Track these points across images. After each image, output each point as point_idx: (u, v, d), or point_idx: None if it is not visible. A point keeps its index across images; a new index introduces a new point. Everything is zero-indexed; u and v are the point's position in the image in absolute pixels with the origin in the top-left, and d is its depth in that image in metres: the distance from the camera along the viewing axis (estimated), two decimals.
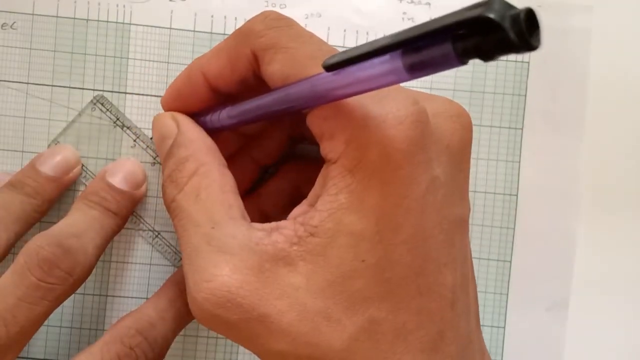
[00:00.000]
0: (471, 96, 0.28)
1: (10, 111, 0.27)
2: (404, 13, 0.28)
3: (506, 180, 0.28)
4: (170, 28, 0.27)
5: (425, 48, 0.14)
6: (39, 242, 0.22)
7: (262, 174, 0.26)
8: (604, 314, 0.28)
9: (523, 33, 0.12)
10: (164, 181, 0.21)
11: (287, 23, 0.20)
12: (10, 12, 0.27)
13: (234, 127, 0.22)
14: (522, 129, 0.28)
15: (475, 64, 0.28)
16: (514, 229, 0.28)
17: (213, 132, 0.22)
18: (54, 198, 0.26)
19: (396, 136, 0.17)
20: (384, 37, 0.15)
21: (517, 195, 0.28)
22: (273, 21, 0.20)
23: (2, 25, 0.27)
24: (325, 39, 0.27)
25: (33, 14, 0.27)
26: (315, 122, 0.18)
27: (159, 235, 0.27)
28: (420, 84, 0.28)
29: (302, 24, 0.27)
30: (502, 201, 0.28)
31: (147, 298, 0.27)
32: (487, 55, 0.13)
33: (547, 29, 0.28)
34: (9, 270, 0.22)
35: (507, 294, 0.28)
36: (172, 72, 0.27)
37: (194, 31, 0.27)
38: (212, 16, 0.27)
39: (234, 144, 0.25)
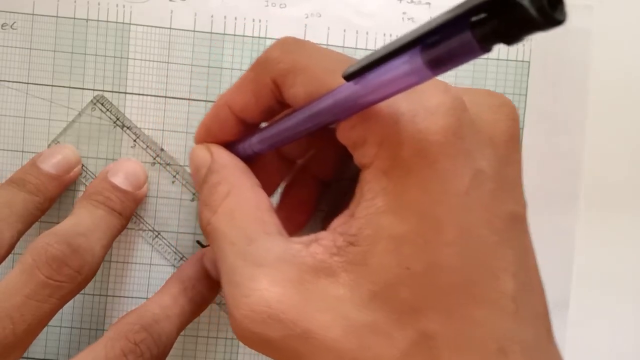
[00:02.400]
0: None
1: (10, 111, 0.27)
2: (404, 13, 0.28)
3: None
4: (170, 28, 0.27)
5: (443, 41, 0.13)
6: (47, 240, 0.22)
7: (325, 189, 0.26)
8: (604, 314, 0.28)
9: (544, 8, 0.11)
10: (200, 208, 0.21)
11: (301, 45, 0.20)
12: (10, 12, 0.27)
13: (267, 151, 0.22)
14: (522, 128, 0.28)
15: (475, 63, 0.28)
16: None
17: (249, 159, 0.22)
18: (55, 196, 0.26)
19: (429, 128, 0.16)
20: (400, 37, 0.14)
21: None
22: (288, 46, 0.20)
23: (2, 25, 0.27)
24: (325, 39, 0.27)
25: (33, 14, 0.27)
26: (345, 134, 0.18)
27: (159, 236, 0.27)
28: None
29: (302, 24, 0.27)
30: None
31: (147, 298, 0.27)
32: (510, 37, 0.12)
33: None
34: (15, 268, 0.22)
35: None
36: (172, 72, 0.27)
37: (194, 31, 0.27)
38: (212, 16, 0.27)
39: (278, 169, 0.25)
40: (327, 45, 0.27)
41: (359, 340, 0.16)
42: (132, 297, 0.27)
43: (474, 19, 0.12)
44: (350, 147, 0.18)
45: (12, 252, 0.24)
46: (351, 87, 0.16)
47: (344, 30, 0.28)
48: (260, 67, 0.20)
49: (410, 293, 0.16)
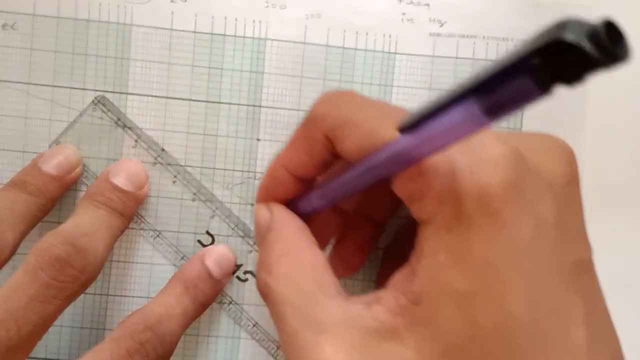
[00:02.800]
0: None
1: (11, 111, 0.27)
2: (403, 14, 0.28)
3: None
4: (171, 29, 0.27)
5: (500, 87, 0.13)
6: (51, 241, 0.22)
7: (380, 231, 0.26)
8: None
9: (605, 47, 0.11)
10: (257, 268, 0.21)
11: (347, 97, 0.20)
12: (11, 12, 0.27)
13: (325, 207, 0.22)
14: (520, 129, 0.28)
15: (474, 64, 0.28)
16: None
17: (307, 215, 0.22)
18: (57, 197, 0.26)
19: (489, 181, 0.16)
20: (454, 87, 0.14)
21: None
22: (334, 100, 0.20)
23: (3, 26, 0.27)
24: (325, 39, 0.28)
25: (34, 15, 0.27)
26: (401, 186, 0.18)
27: (159, 235, 0.27)
28: (418, 85, 0.28)
29: (302, 25, 0.28)
30: None
31: (148, 297, 0.27)
32: (572, 78, 0.12)
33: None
34: (19, 269, 0.22)
35: None
36: (173, 73, 0.27)
37: (194, 32, 0.27)
38: (212, 17, 0.27)
39: (333, 221, 0.25)
40: (327, 45, 0.28)
41: None
42: (133, 297, 0.27)
43: (532, 63, 0.12)
44: (407, 200, 0.17)
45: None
46: (406, 140, 0.16)
47: (344, 31, 0.28)
48: (310, 125, 0.20)
49: (481, 351, 0.15)
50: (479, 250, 0.15)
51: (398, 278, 0.17)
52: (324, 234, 0.24)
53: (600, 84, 0.28)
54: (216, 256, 0.26)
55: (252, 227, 0.28)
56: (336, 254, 0.25)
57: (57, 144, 0.27)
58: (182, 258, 0.27)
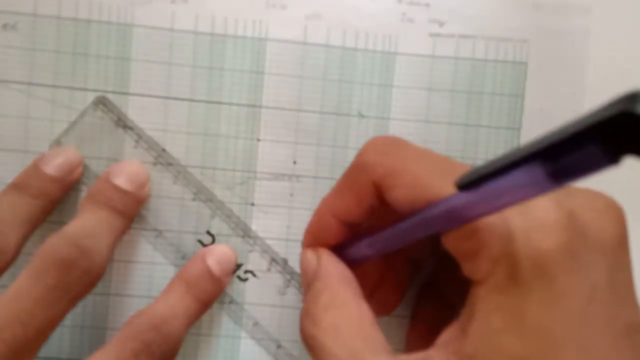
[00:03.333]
0: (469, 97, 0.28)
1: (12, 112, 0.27)
2: (404, 14, 0.28)
3: None
4: (172, 30, 0.27)
5: (567, 153, 0.12)
6: (55, 243, 0.22)
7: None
8: None
9: None
10: (301, 316, 0.21)
11: (396, 145, 0.20)
12: (11, 12, 0.27)
13: (375, 255, 0.22)
14: (519, 129, 0.28)
15: (474, 64, 0.28)
16: None
17: (356, 262, 0.22)
18: (59, 198, 0.26)
19: (546, 247, 0.16)
20: (519, 149, 0.14)
21: None
22: (383, 147, 0.20)
23: (3, 26, 0.27)
24: (325, 40, 0.28)
25: (35, 15, 0.27)
26: (454, 243, 0.18)
27: (160, 235, 0.28)
28: (418, 85, 0.28)
29: (302, 25, 0.28)
30: None
31: (148, 297, 0.27)
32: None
33: (545, 29, 0.29)
34: (23, 272, 0.22)
35: None
36: (174, 73, 0.27)
37: (195, 32, 0.27)
38: (213, 17, 0.27)
39: (379, 267, 0.25)
40: (327, 45, 0.28)
41: None
42: (133, 296, 0.28)
43: (600, 131, 0.12)
44: (459, 258, 0.18)
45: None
46: (464, 197, 0.16)
47: (344, 31, 0.28)
48: (359, 172, 0.20)
49: None
50: (534, 315, 0.16)
51: (448, 337, 0.17)
52: (369, 281, 0.24)
53: (599, 84, 0.28)
54: (217, 255, 0.26)
55: (252, 227, 0.28)
56: (374, 295, 0.25)
57: (57, 144, 0.27)
58: (183, 258, 0.27)
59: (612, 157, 0.12)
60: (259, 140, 0.28)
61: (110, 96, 0.27)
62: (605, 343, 0.16)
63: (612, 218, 0.18)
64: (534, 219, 0.16)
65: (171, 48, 0.27)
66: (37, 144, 0.27)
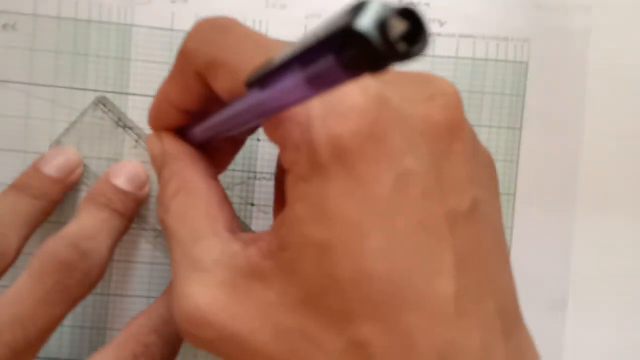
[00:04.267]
0: (470, 96, 0.28)
1: (12, 112, 0.27)
2: None
3: (504, 180, 0.28)
4: (172, 29, 0.27)
5: (313, 62, 0.12)
6: (55, 245, 0.22)
7: None
8: (603, 313, 0.28)
9: (391, 43, 0.10)
10: (157, 204, 0.21)
11: (222, 30, 0.18)
12: (11, 12, 0.27)
13: (213, 139, 0.21)
14: (520, 129, 0.28)
15: (473, 64, 0.28)
16: (512, 228, 0.28)
17: (199, 144, 0.22)
18: (59, 199, 0.26)
19: (342, 132, 0.15)
20: (287, 53, 0.13)
21: (515, 195, 0.28)
22: (208, 33, 0.19)
23: (3, 26, 0.27)
24: None
25: (34, 15, 0.27)
26: (268, 133, 0.17)
27: (160, 235, 0.28)
28: None
29: (302, 25, 0.28)
30: (501, 201, 0.28)
31: (148, 297, 0.27)
32: (373, 67, 0.10)
33: (546, 29, 0.29)
34: (24, 274, 0.22)
35: None
36: None
37: None
38: None
39: (229, 148, 0.24)
40: None
41: (288, 345, 0.16)
42: (133, 296, 0.28)
43: (338, 44, 0.11)
44: (278, 147, 0.17)
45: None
46: (257, 94, 0.15)
47: None
48: (182, 60, 0.19)
49: (339, 301, 0.15)
50: (334, 202, 0.15)
51: (276, 222, 0.17)
52: (221, 159, 0.23)
53: (600, 84, 0.28)
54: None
55: (252, 227, 0.28)
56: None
57: (57, 144, 0.27)
58: None
59: (350, 72, 0.11)
60: (258, 140, 0.28)
61: (110, 96, 0.27)
62: (417, 230, 0.15)
63: (439, 104, 0.17)
64: (333, 105, 0.15)
65: (171, 48, 0.27)
66: (37, 144, 0.27)
